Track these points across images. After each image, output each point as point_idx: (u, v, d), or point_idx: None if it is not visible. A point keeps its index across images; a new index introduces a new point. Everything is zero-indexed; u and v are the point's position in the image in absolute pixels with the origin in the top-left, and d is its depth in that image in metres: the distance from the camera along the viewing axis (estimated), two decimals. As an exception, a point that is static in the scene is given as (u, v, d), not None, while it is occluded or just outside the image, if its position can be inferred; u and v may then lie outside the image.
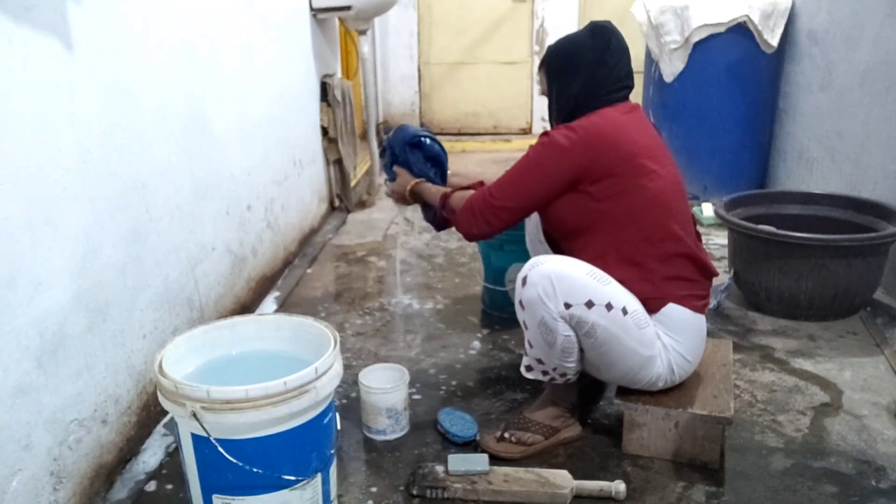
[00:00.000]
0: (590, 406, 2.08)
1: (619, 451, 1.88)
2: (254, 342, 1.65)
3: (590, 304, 1.68)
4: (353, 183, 4.19)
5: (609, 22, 1.85)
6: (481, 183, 2.02)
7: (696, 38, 3.88)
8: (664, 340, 1.78)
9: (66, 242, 1.60)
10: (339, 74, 4.24)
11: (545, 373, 1.83)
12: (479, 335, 2.60)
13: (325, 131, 3.89)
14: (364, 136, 4.86)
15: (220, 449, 1.35)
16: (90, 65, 1.68)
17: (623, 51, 1.82)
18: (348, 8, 3.70)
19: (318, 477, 1.49)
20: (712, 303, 2.52)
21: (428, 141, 2.18)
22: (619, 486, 1.70)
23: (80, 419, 1.65)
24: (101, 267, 1.73)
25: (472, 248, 3.36)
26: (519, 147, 5.83)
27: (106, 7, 1.75)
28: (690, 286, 1.80)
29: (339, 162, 4.01)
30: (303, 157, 3.55)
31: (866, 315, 2.67)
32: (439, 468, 1.76)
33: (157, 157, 2.03)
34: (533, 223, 2.17)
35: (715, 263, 1.93)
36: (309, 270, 3.28)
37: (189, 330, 1.60)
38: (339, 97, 3.88)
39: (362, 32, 4.14)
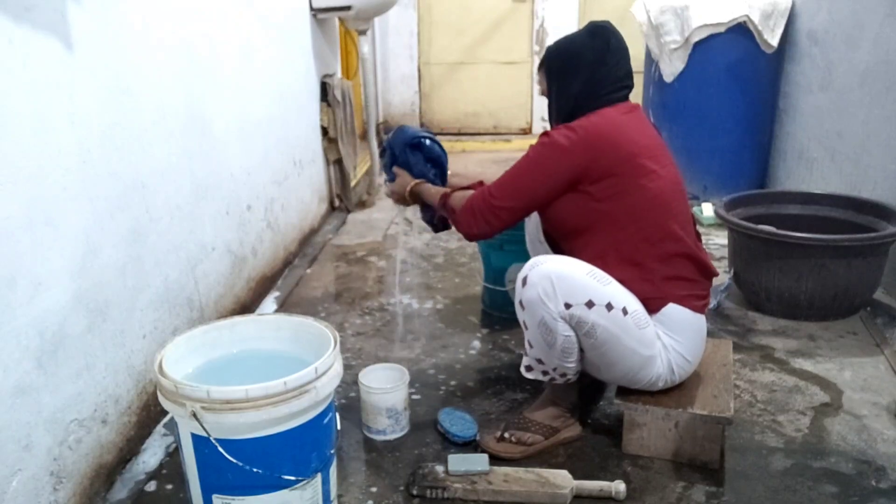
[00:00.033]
0: (590, 406, 2.08)
1: (619, 451, 1.88)
2: (254, 342, 1.65)
3: (590, 305, 1.68)
4: (353, 183, 4.19)
5: (608, 22, 1.85)
6: (481, 183, 2.02)
7: (696, 38, 3.88)
8: (664, 340, 1.78)
9: (66, 242, 1.60)
10: (339, 74, 4.24)
11: (545, 373, 1.83)
12: (479, 335, 2.60)
13: (325, 131, 3.89)
14: (364, 136, 4.86)
15: (220, 449, 1.35)
16: (90, 65, 1.68)
17: (623, 50, 1.82)
18: (348, 8, 3.70)
19: (318, 477, 1.49)
20: (712, 303, 2.52)
21: (428, 142, 2.18)
22: (619, 486, 1.70)
23: (80, 419, 1.65)
24: (101, 267, 1.73)
25: (472, 248, 3.36)
26: (519, 147, 5.83)
27: (106, 7, 1.75)
28: (690, 286, 1.80)
29: (339, 162, 4.01)
30: (303, 157, 3.55)
31: (866, 315, 2.67)
32: (439, 468, 1.76)
33: (157, 157, 2.03)
34: (533, 223, 2.17)
35: (715, 263, 1.94)
36: (309, 270, 3.28)
37: (189, 330, 1.60)
38: (339, 97, 3.88)
39: (362, 32, 4.14)
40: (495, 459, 1.81)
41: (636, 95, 2.19)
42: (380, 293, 3.01)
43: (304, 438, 1.44)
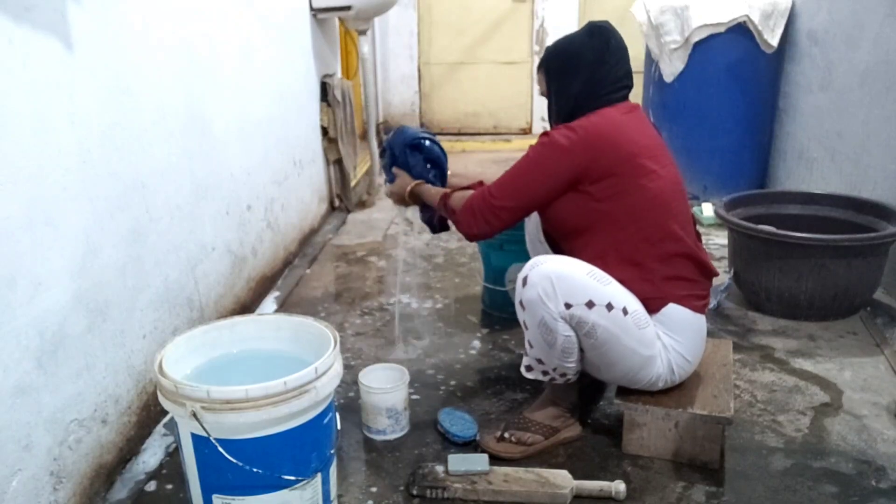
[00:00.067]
0: (590, 406, 2.08)
1: (619, 451, 1.88)
2: (254, 342, 1.65)
3: (590, 305, 1.68)
4: (353, 183, 4.19)
5: (607, 22, 1.86)
6: (481, 183, 2.02)
7: (696, 38, 3.88)
8: (664, 340, 1.78)
9: (66, 242, 1.60)
10: (339, 74, 4.24)
11: (545, 373, 1.83)
12: (479, 335, 2.60)
13: (325, 131, 3.89)
14: (364, 136, 4.86)
15: (220, 449, 1.35)
16: (90, 65, 1.68)
17: (622, 50, 1.82)
18: (348, 8, 3.70)
19: (318, 477, 1.49)
20: (712, 303, 2.52)
21: (428, 143, 2.18)
22: (619, 486, 1.70)
23: (80, 419, 1.65)
24: (101, 267, 1.73)
25: (472, 248, 3.36)
26: (519, 147, 5.83)
27: (106, 7, 1.75)
28: (690, 286, 1.80)
29: (339, 162, 4.01)
30: (303, 157, 3.55)
31: (866, 315, 2.67)
32: (439, 468, 1.76)
33: (157, 157, 2.03)
34: (533, 223, 2.17)
35: (715, 263, 1.94)
36: (309, 270, 3.28)
37: (189, 330, 1.60)
38: (339, 97, 3.88)
39: (362, 32, 4.14)
40: (495, 459, 1.81)
41: (636, 95, 2.19)
42: (380, 293, 3.01)
43: (304, 438, 1.44)
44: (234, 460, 1.36)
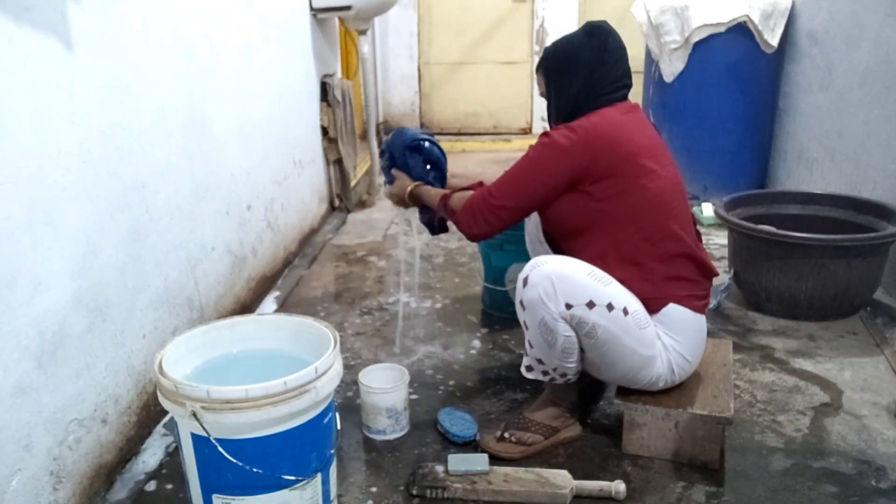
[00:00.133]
0: (590, 406, 2.08)
1: (619, 451, 1.88)
2: (254, 342, 1.65)
3: (591, 305, 1.68)
4: (353, 183, 4.19)
5: (605, 21, 1.86)
6: (481, 184, 2.02)
7: (696, 38, 3.88)
8: (664, 340, 1.78)
9: (66, 242, 1.60)
10: (339, 74, 4.24)
11: (545, 373, 1.83)
12: (479, 335, 2.60)
13: (325, 131, 3.89)
14: (364, 136, 4.86)
15: (220, 449, 1.35)
16: (90, 65, 1.68)
17: (621, 49, 1.82)
18: (348, 8, 3.70)
19: (318, 477, 1.49)
20: (712, 303, 2.52)
21: (427, 144, 2.18)
22: (619, 486, 1.70)
23: (80, 419, 1.65)
24: (101, 267, 1.73)
25: (472, 248, 3.36)
26: (519, 147, 5.83)
27: (106, 7, 1.75)
28: (691, 286, 1.80)
29: (339, 162, 4.01)
30: (303, 157, 3.55)
31: (866, 315, 2.67)
32: (439, 468, 1.76)
33: (157, 157, 2.03)
34: (533, 223, 2.17)
35: (715, 263, 1.94)
36: (309, 270, 3.28)
37: (189, 330, 1.60)
38: (339, 97, 3.88)
39: (362, 32, 4.14)
40: (495, 459, 1.81)
41: (636, 95, 2.19)
42: (379, 293, 3.01)
43: (304, 438, 1.44)
44: (234, 460, 1.36)
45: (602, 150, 1.74)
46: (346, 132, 4.03)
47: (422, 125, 6.40)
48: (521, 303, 1.74)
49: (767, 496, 1.72)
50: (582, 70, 1.80)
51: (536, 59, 1.96)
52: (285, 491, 1.43)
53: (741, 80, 3.92)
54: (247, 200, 2.76)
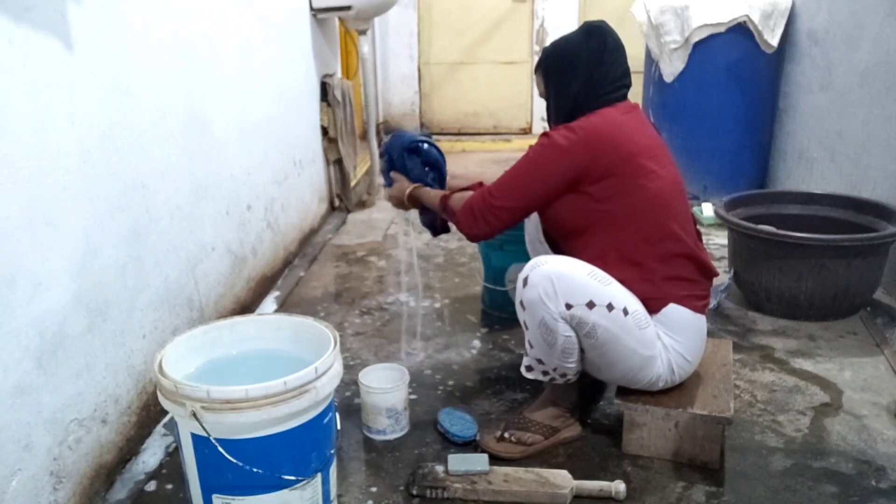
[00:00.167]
0: (590, 406, 2.08)
1: (619, 451, 1.88)
2: (254, 342, 1.65)
3: (591, 305, 1.68)
4: (353, 183, 4.19)
5: (604, 21, 1.86)
6: (480, 184, 2.02)
7: (696, 38, 3.88)
8: (664, 340, 1.78)
9: (66, 242, 1.60)
10: (339, 74, 4.24)
11: (545, 373, 1.83)
12: (479, 335, 2.60)
13: (325, 131, 3.89)
14: (364, 136, 4.86)
15: (220, 449, 1.35)
16: (90, 65, 1.68)
17: (619, 49, 1.82)
18: (348, 8, 3.70)
19: (318, 477, 1.49)
20: (712, 303, 2.52)
21: (425, 146, 2.18)
22: (619, 486, 1.70)
23: (80, 419, 1.65)
24: (101, 267, 1.73)
25: (472, 248, 3.36)
26: (519, 147, 5.83)
27: (106, 7, 1.75)
28: (691, 286, 1.80)
29: (339, 162, 4.01)
30: (303, 157, 3.55)
31: (866, 315, 2.67)
32: (439, 468, 1.76)
33: (157, 157, 2.03)
34: (532, 224, 2.17)
35: (715, 263, 1.94)
36: (309, 270, 3.28)
37: (189, 330, 1.60)
38: (339, 97, 3.88)
39: (362, 32, 4.14)
40: (495, 459, 1.81)
41: (636, 95, 2.19)
42: (379, 293, 3.01)
43: (304, 438, 1.44)
44: (234, 460, 1.36)
45: (602, 150, 1.74)
46: (346, 132, 4.03)
47: (422, 125, 6.40)
48: (521, 303, 1.74)
49: (767, 496, 1.72)
50: (581, 70, 1.80)
51: (536, 59, 1.96)
52: (285, 491, 1.43)
53: (741, 80, 3.92)
54: (247, 200, 2.76)
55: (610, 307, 1.69)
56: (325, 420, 1.49)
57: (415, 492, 1.72)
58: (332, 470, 1.56)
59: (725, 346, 2.14)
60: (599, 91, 1.80)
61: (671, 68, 4.01)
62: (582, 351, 1.77)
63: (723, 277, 2.81)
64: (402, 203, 2.14)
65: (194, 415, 1.33)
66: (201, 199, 2.33)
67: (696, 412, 1.78)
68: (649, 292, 1.76)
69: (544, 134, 1.81)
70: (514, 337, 2.55)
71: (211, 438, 1.35)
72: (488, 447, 1.87)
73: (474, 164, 5.37)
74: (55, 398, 1.55)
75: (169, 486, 1.78)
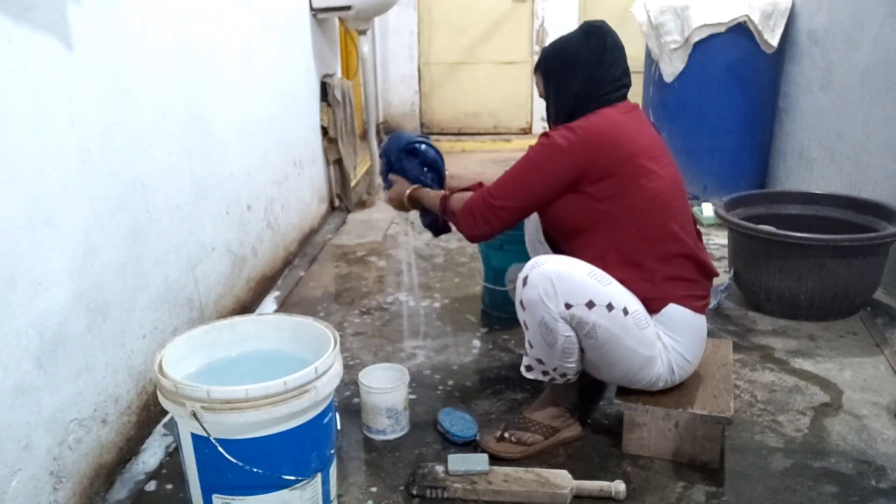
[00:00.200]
0: (590, 406, 2.08)
1: (619, 451, 1.88)
2: (254, 342, 1.65)
3: (590, 305, 1.68)
4: (353, 183, 4.19)
5: (603, 21, 1.85)
6: (480, 184, 2.02)
7: (696, 38, 3.88)
8: (664, 341, 1.78)
9: (66, 242, 1.60)
10: (339, 74, 4.24)
11: (545, 373, 1.83)
12: (479, 335, 2.60)
13: (325, 131, 3.89)
14: (364, 136, 4.86)
15: (220, 449, 1.35)
16: (90, 65, 1.68)
17: (619, 49, 1.82)
18: (348, 8, 3.70)
19: (318, 477, 1.49)
20: (712, 303, 2.52)
21: (423, 147, 2.18)
22: (619, 486, 1.70)
23: (80, 419, 1.65)
24: (101, 267, 1.73)
25: (472, 248, 3.36)
26: (519, 147, 5.83)
27: (106, 7, 1.75)
28: (691, 286, 1.80)
29: (339, 162, 4.01)
30: (303, 157, 3.55)
31: (866, 315, 2.67)
32: (439, 468, 1.76)
33: (157, 157, 2.03)
34: (532, 224, 2.17)
35: (715, 263, 1.94)
36: (309, 270, 3.28)
37: (189, 330, 1.60)
38: (339, 97, 3.88)
39: (362, 32, 4.14)
40: (495, 459, 1.81)
41: (636, 95, 2.19)
42: (379, 293, 3.01)
43: (304, 438, 1.44)
44: (234, 460, 1.36)
45: (602, 150, 1.74)
46: (346, 132, 4.03)
47: (422, 125, 6.40)
48: (521, 302, 1.74)
49: (767, 496, 1.72)
50: (581, 70, 1.80)
51: (536, 59, 1.97)
52: (285, 491, 1.43)
53: (741, 80, 3.92)
54: (247, 200, 2.76)
55: (610, 307, 1.69)
56: (325, 420, 1.49)
57: (415, 492, 1.72)
58: (332, 470, 1.56)
59: (725, 346, 2.14)
60: (599, 91, 1.80)
61: (671, 68, 4.01)
62: (582, 351, 1.77)
63: (723, 277, 2.81)
64: (402, 205, 2.15)
65: (194, 415, 1.33)
66: (201, 199, 2.33)
67: (696, 412, 1.78)
68: (649, 292, 1.76)
69: (544, 134, 1.81)
70: (514, 337, 2.55)
71: (211, 438, 1.35)
72: (488, 447, 1.87)
73: (474, 164, 5.37)
74: (55, 398, 1.55)
75: (169, 486, 1.78)
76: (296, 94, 3.47)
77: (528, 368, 1.85)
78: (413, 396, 2.13)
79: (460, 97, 6.39)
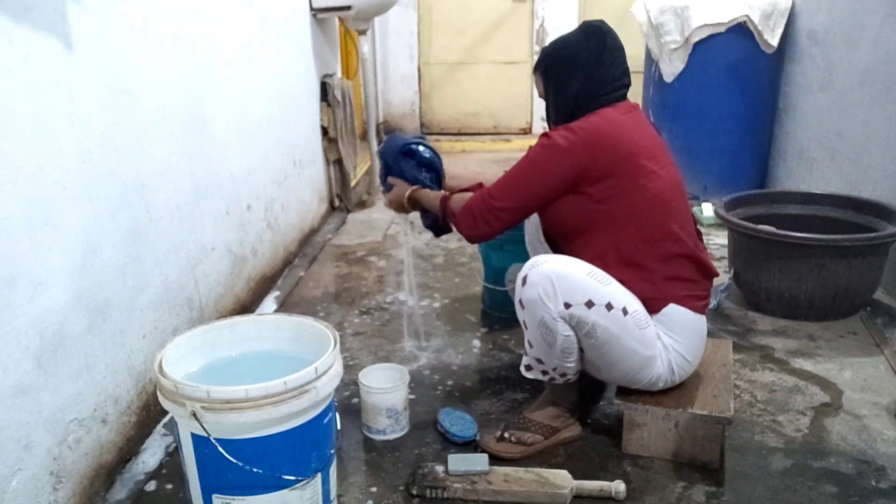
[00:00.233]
0: (590, 406, 2.08)
1: (619, 451, 1.88)
2: (254, 342, 1.65)
3: (590, 304, 1.68)
4: (353, 183, 4.19)
5: (602, 21, 1.85)
6: (480, 185, 2.02)
7: (696, 38, 3.88)
8: (664, 341, 1.78)
9: (66, 242, 1.60)
10: (339, 74, 4.24)
11: (545, 372, 1.83)
12: (479, 335, 2.60)
13: (325, 131, 3.89)
14: (364, 136, 4.86)
15: (220, 449, 1.35)
16: (90, 65, 1.68)
17: (619, 49, 1.82)
18: (348, 8, 3.70)
19: (318, 477, 1.49)
20: (712, 303, 2.52)
21: (420, 147, 2.17)
22: (619, 486, 1.70)
23: (80, 419, 1.65)
24: (101, 267, 1.73)
25: (472, 248, 3.36)
26: (519, 147, 5.83)
27: (106, 7, 1.75)
28: (691, 286, 1.80)
29: (339, 162, 4.01)
30: (303, 157, 3.55)
31: (866, 315, 2.67)
32: (439, 468, 1.76)
33: (157, 157, 2.03)
34: (532, 224, 2.17)
35: (715, 263, 1.94)
36: (308, 270, 3.28)
37: (189, 330, 1.60)
38: (339, 97, 3.88)
39: (362, 32, 4.15)
40: (495, 459, 1.81)
41: (636, 95, 2.19)
42: (379, 293, 3.01)
43: (304, 438, 1.44)
44: (234, 460, 1.36)
45: (602, 150, 1.74)
46: (346, 132, 4.03)
47: (422, 125, 6.40)
48: (521, 302, 1.74)
49: (767, 496, 1.72)
50: (580, 71, 1.80)
51: (536, 59, 1.98)
52: (285, 491, 1.43)
53: (741, 80, 3.92)
54: (247, 200, 2.76)
55: (609, 307, 1.69)
56: (325, 420, 1.49)
57: (415, 492, 1.72)
58: (332, 470, 1.56)
59: (725, 346, 2.14)
60: (599, 91, 1.80)
61: (671, 68, 4.01)
62: (581, 350, 1.77)
63: (723, 277, 2.81)
64: (402, 207, 2.15)
65: (194, 415, 1.33)
66: (201, 199, 2.33)
67: (696, 412, 1.78)
68: (649, 292, 1.76)
69: (544, 134, 1.81)
70: (514, 337, 2.55)
71: (211, 438, 1.35)
72: (488, 447, 1.87)
73: (474, 164, 5.37)
74: (55, 398, 1.55)
75: (169, 486, 1.78)
76: (296, 94, 3.47)
77: (528, 368, 1.85)
78: (413, 396, 2.13)
79: (460, 97, 6.39)
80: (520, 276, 1.74)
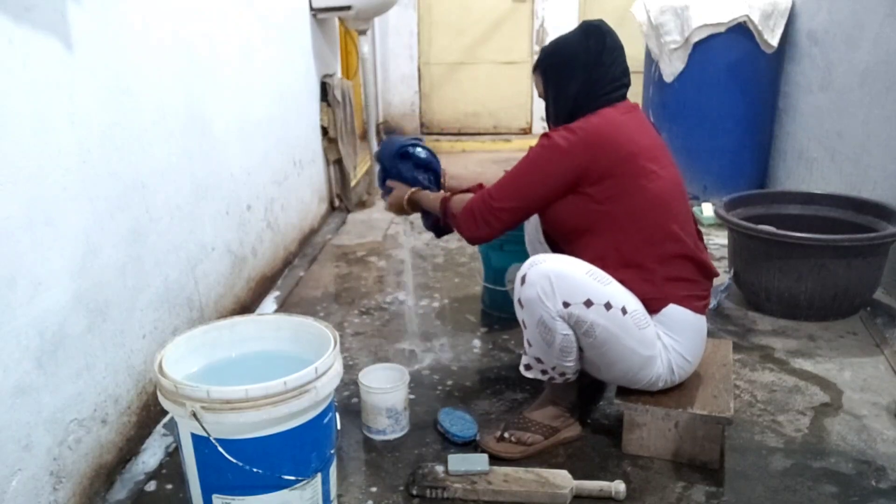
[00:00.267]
0: (590, 406, 2.08)
1: (619, 451, 1.88)
2: (254, 342, 1.65)
3: (588, 304, 1.68)
4: (353, 183, 4.19)
5: (602, 21, 1.85)
6: (480, 186, 2.02)
7: (696, 38, 3.88)
8: (664, 341, 1.78)
9: (66, 242, 1.60)
10: (339, 74, 4.24)
11: (544, 372, 1.83)
12: (479, 335, 2.60)
13: (325, 131, 3.89)
14: (364, 136, 4.86)
15: (220, 449, 1.35)
16: (90, 65, 1.68)
17: (618, 49, 1.82)
18: (348, 8, 3.70)
19: (318, 477, 1.49)
20: (712, 303, 2.52)
21: (416, 149, 2.17)
22: (619, 486, 1.70)
23: (80, 419, 1.65)
24: (101, 267, 1.73)
25: (472, 248, 3.36)
26: (519, 147, 5.84)
27: (106, 7, 1.75)
28: (691, 287, 1.80)
29: (339, 162, 4.02)
30: (303, 157, 3.55)
31: (866, 315, 2.67)
32: (439, 468, 1.76)
33: (157, 157, 2.03)
34: (532, 225, 2.17)
35: (715, 263, 1.94)
36: (308, 270, 3.28)
37: (189, 330, 1.60)
38: (339, 97, 3.88)
39: (362, 32, 4.15)
40: (495, 459, 1.81)
41: (636, 95, 2.19)
42: (379, 293, 3.01)
43: (304, 438, 1.44)
44: (234, 460, 1.36)
45: (602, 150, 1.74)
46: (346, 132, 4.03)
47: (421, 125, 6.40)
48: (520, 301, 1.74)
49: (767, 496, 1.72)
50: (580, 71, 1.80)
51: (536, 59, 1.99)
52: (285, 491, 1.43)
53: (741, 80, 3.92)
54: (247, 200, 2.76)
55: (608, 306, 1.69)
56: (325, 420, 1.49)
57: (415, 492, 1.72)
58: (332, 470, 1.56)
59: (725, 346, 2.14)
60: (599, 91, 1.80)
61: (671, 68, 4.01)
62: (581, 350, 1.77)
63: (723, 277, 2.81)
64: (402, 209, 2.14)
65: (194, 415, 1.33)
66: (201, 199, 2.33)
67: (696, 412, 1.78)
68: (649, 293, 1.76)
69: (544, 135, 1.81)
70: (514, 337, 2.55)
71: (211, 438, 1.35)
72: (488, 447, 1.87)
73: (474, 164, 5.37)
74: (55, 398, 1.55)
75: (169, 486, 1.78)
76: (296, 94, 3.47)
77: (527, 367, 1.85)
78: (413, 396, 2.13)
79: (460, 97, 6.39)
80: (519, 275, 1.74)
